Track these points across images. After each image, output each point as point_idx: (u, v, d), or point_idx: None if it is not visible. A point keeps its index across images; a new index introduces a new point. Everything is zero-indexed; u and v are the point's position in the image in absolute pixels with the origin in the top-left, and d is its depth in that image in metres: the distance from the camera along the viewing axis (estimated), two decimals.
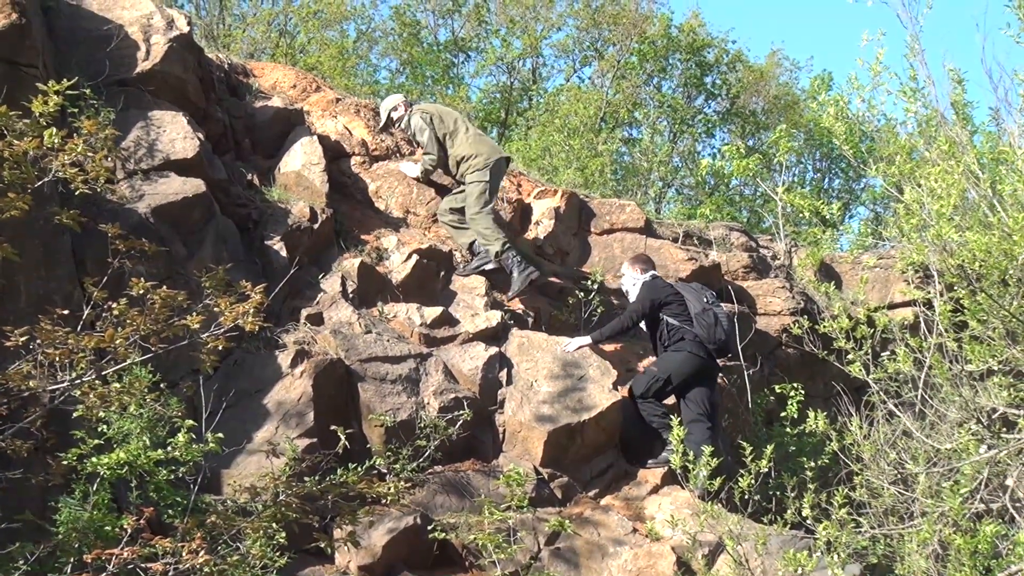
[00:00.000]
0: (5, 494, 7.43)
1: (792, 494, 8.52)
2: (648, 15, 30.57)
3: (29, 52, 9.59)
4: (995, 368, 8.57)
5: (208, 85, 12.11)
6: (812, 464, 9.07)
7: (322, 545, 8.28)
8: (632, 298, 11.74)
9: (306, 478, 8.15)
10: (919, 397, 8.97)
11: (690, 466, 8.83)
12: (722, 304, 12.05)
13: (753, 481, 8.50)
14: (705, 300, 11.50)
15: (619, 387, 11.05)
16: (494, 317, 11.46)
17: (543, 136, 26.40)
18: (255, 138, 12.54)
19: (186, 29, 11.65)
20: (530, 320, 12.04)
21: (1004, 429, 8.49)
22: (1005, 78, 9.91)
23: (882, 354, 9.23)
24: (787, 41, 72.50)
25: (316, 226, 11.37)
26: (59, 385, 7.30)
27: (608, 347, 11.93)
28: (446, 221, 12.38)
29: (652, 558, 9.41)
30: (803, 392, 11.60)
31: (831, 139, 13.20)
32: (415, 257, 11.71)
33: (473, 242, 12.15)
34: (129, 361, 7.51)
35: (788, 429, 11.44)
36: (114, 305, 7.42)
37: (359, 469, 8.36)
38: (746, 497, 8.46)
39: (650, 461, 10.95)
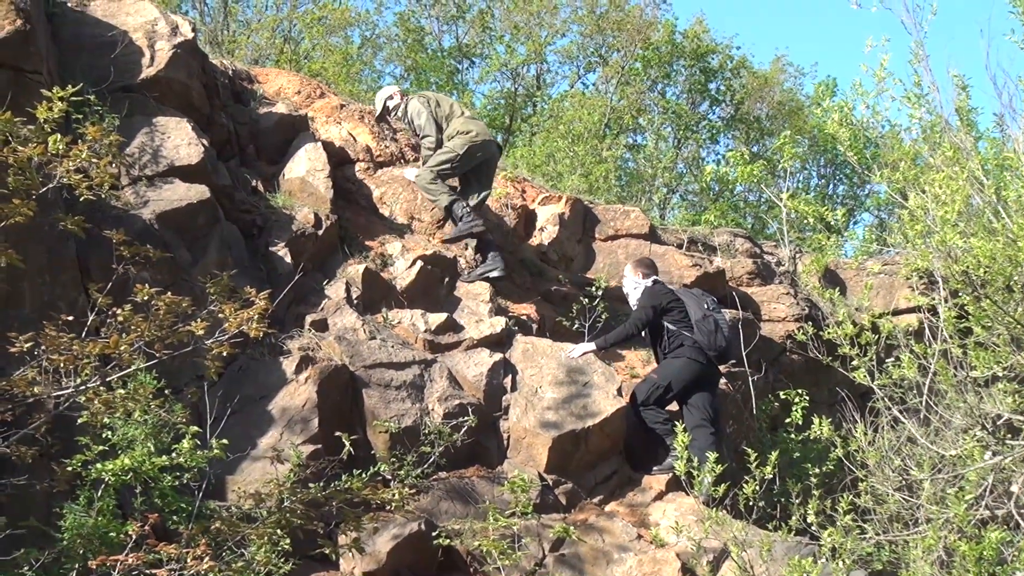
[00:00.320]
0: (10, 500, 7.41)
1: (797, 500, 8.51)
2: (652, 21, 30.64)
3: (34, 58, 9.59)
4: (1000, 374, 8.57)
5: (212, 91, 12.09)
6: (817, 470, 9.07)
7: (327, 551, 8.27)
8: (632, 302, 11.74)
9: (311, 484, 8.16)
10: (924, 403, 8.96)
11: (694, 472, 8.83)
12: (723, 311, 12.05)
13: (758, 487, 8.49)
14: (706, 306, 11.49)
15: (623, 393, 11.03)
16: (498, 323, 11.45)
17: (547, 142, 26.46)
18: (259, 144, 12.54)
19: (190, 35, 11.64)
20: (534, 326, 12.04)
21: (1009, 435, 8.49)
22: (1009, 84, 9.91)
23: (887, 360, 9.22)
24: (791, 47, 72.84)
25: (320, 232, 11.36)
26: (64, 391, 7.30)
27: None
28: (422, 185, 12.42)
29: (657, 564, 9.40)
30: (808, 398, 11.63)
31: (835, 145, 13.21)
32: (419, 263, 11.70)
33: (447, 206, 12.19)
34: (134, 367, 7.52)
35: (793, 435, 11.48)
36: (119, 311, 7.42)
37: (364, 475, 8.37)
38: (751, 503, 8.45)
39: (655, 467, 10.94)
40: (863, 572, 9.28)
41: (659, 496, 10.67)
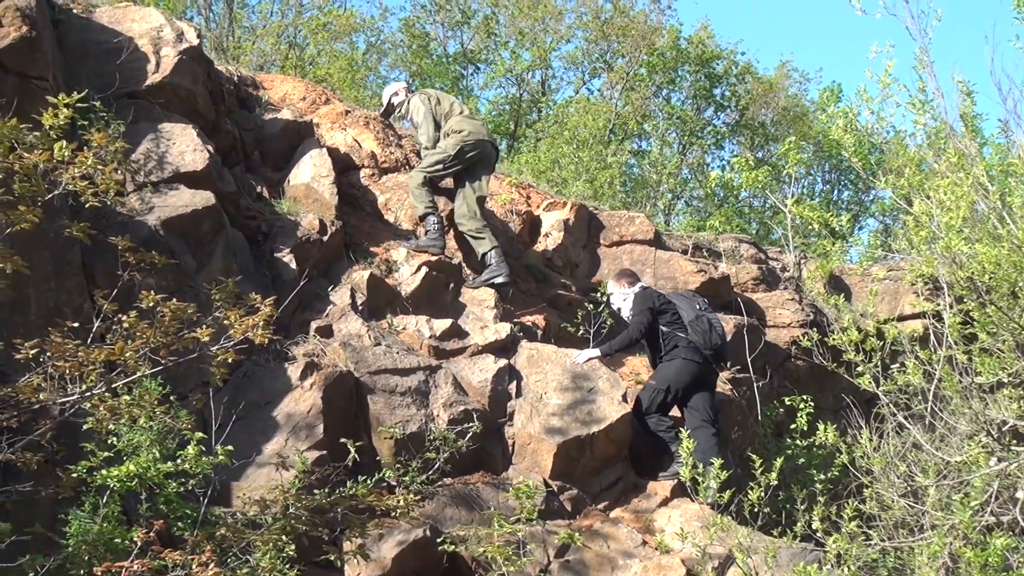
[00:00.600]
0: (15, 507, 7.42)
1: (802, 507, 8.51)
2: (657, 27, 30.61)
3: (39, 65, 9.61)
4: (1005, 380, 8.56)
5: (218, 97, 12.11)
6: (822, 476, 9.06)
7: (332, 558, 8.25)
8: (625, 313, 11.75)
9: (316, 491, 8.16)
10: (929, 409, 8.95)
11: (699, 478, 8.82)
12: (720, 314, 12.07)
13: (763, 494, 8.49)
14: (698, 307, 11.56)
15: (628, 399, 11.03)
16: (503, 329, 11.45)
17: (552, 148, 26.45)
18: (265, 150, 12.55)
19: (196, 42, 11.66)
20: (539, 332, 12.04)
21: (1014, 441, 8.48)
22: (1014, 90, 9.95)
23: (892, 366, 9.22)
24: (796, 53, 72.68)
25: (325, 238, 11.37)
26: (69, 398, 7.31)
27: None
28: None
29: (662, 571, 9.40)
30: (813, 404, 11.61)
31: (840, 151, 13.20)
32: (424, 269, 11.69)
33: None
34: (139, 374, 7.52)
35: (798, 441, 11.48)
36: (124, 318, 7.43)
37: (368, 482, 8.37)
38: (756, 509, 8.45)
39: (660, 474, 10.95)
40: None
41: (664, 502, 10.68)
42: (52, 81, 9.68)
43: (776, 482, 8.64)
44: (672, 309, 11.47)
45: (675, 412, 11.29)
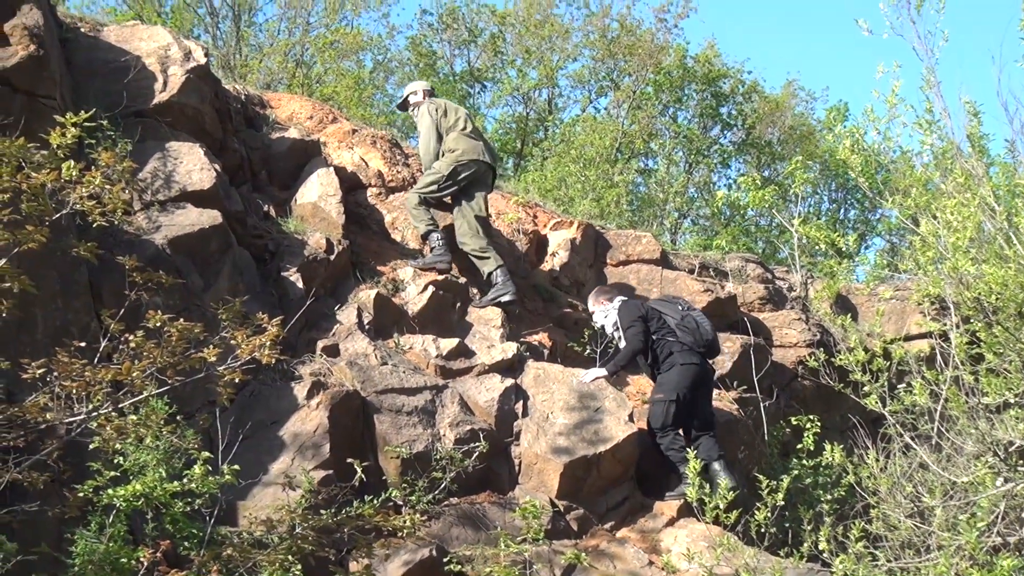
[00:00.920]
0: (21, 526, 7.42)
1: (809, 527, 8.50)
2: (664, 46, 30.60)
3: (47, 83, 9.64)
4: (1012, 401, 8.56)
5: (225, 116, 12.13)
6: (828, 497, 9.08)
7: None
8: (609, 330, 11.77)
9: (322, 511, 8.16)
10: (935, 430, 8.95)
11: (706, 499, 8.80)
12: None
13: (769, 514, 8.48)
14: (680, 308, 11.57)
15: (635, 419, 11.02)
16: (510, 349, 11.45)
17: (559, 167, 26.45)
18: (272, 169, 12.58)
19: (203, 60, 11.69)
20: (546, 352, 12.04)
21: (1021, 462, 8.47)
22: (1021, 110, 9.94)
23: (898, 386, 9.22)
24: (802, 72, 72.61)
25: (332, 257, 11.39)
26: (76, 417, 7.32)
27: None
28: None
29: None
30: (819, 424, 11.61)
31: (847, 170, 13.21)
32: (431, 288, 11.70)
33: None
34: (146, 394, 7.53)
35: (804, 461, 11.44)
36: (131, 337, 7.44)
37: (375, 501, 8.37)
38: (762, 530, 8.44)
39: (667, 493, 10.93)
40: None
41: (671, 522, 10.66)
42: (60, 100, 9.71)
43: (783, 502, 8.63)
44: (657, 315, 11.48)
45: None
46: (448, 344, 11.24)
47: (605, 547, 10.02)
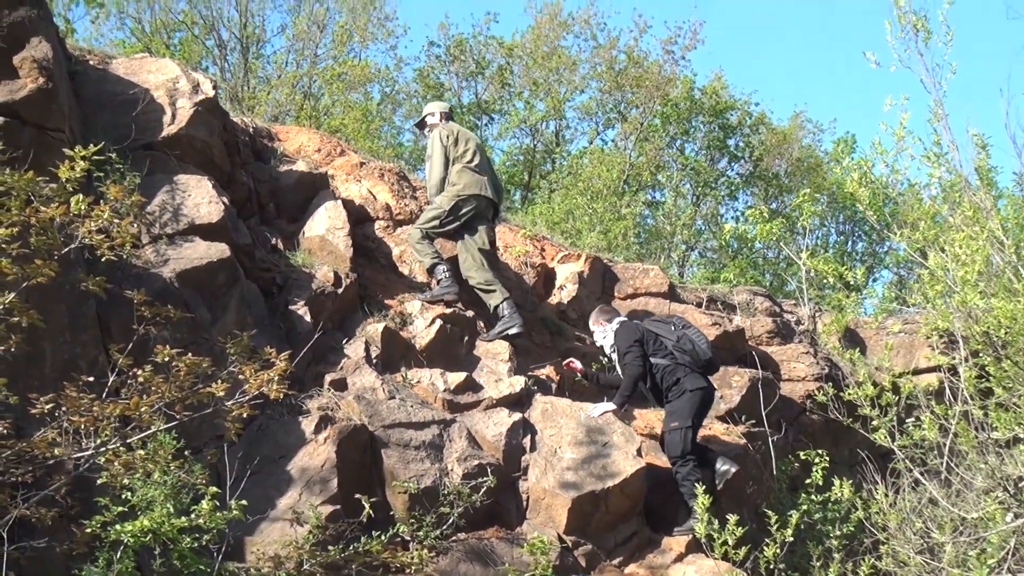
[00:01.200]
0: (30, 562, 7.41)
1: (818, 563, 8.48)
2: (671, 77, 30.69)
3: (56, 116, 9.65)
4: (1021, 436, 8.53)
5: (233, 149, 12.14)
6: (838, 533, 9.04)
7: None
8: (608, 349, 11.76)
9: (330, 547, 8.15)
10: (945, 465, 8.93)
11: (714, 533, 8.77)
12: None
13: (778, 550, 8.45)
14: (673, 328, 11.56)
15: (643, 454, 10.99)
16: (518, 383, 11.43)
17: (566, 199, 26.50)
18: (280, 202, 12.58)
19: (212, 93, 11.71)
20: (554, 386, 12.01)
21: None
22: None
23: (907, 421, 9.20)
24: (809, 104, 72.89)
25: (340, 291, 11.38)
26: (84, 452, 7.32)
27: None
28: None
29: None
30: (828, 459, 11.56)
31: (855, 202, 13.21)
32: (439, 322, 11.69)
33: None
34: (154, 428, 7.52)
35: (813, 497, 11.40)
36: (139, 372, 7.44)
37: (383, 537, 8.35)
38: (771, 566, 8.41)
39: (675, 529, 10.90)
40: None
41: (679, 558, 10.62)
42: (68, 133, 9.72)
43: (791, 538, 8.61)
44: (653, 337, 11.47)
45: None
46: (456, 378, 11.23)
47: None
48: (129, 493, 7.76)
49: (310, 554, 7.94)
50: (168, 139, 11.08)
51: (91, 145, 7.88)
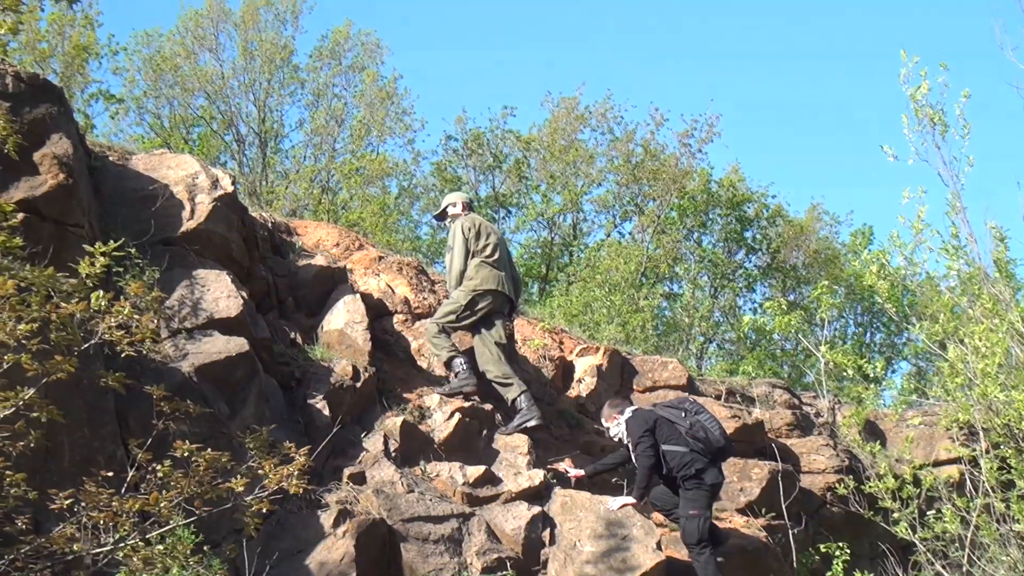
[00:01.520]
0: None
1: None
2: (688, 170, 30.81)
3: (76, 212, 9.71)
4: None
5: (252, 243, 12.18)
6: None
7: None
8: (626, 439, 11.70)
9: None
10: (966, 557, 8.88)
11: None
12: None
13: None
14: (684, 415, 11.47)
15: (663, 547, 10.93)
16: (537, 476, 11.40)
17: (584, 291, 26.50)
18: (298, 296, 12.62)
19: (230, 188, 11.76)
20: (573, 479, 11.97)
21: None
22: None
23: (928, 513, 9.16)
24: (827, 196, 72.82)
25: (359, 385, 11.38)
26: (103, 548, 7.30)
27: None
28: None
29: None
30: (849, 552, 11.50)
31: (873, 293, 13.20)
32: (457, 415, 11.67)
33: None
34: (173, 524, 7.51)
35: None
36: (158, 467, 7.44)
37: None
38: None
39: None
40: None
41: None
42: (88, 228, 9.77)
43: None
44: (664, 423, 11.40)
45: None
46: (475, 471, 11.20)
47: None
48: None
49: None
50: (187, 234, 11.14)
51: (111, 240, 7.92)
